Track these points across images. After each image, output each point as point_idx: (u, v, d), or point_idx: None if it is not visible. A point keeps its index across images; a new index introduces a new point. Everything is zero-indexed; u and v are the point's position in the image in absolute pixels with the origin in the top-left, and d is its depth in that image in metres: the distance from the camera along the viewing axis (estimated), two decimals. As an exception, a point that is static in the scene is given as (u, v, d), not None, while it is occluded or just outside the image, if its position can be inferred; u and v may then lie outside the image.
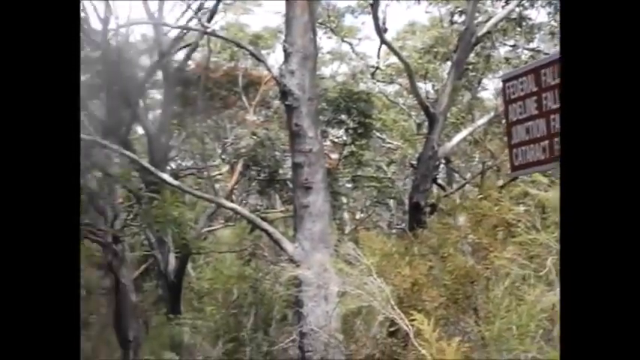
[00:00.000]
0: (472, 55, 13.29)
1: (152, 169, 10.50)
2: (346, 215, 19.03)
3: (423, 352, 5.92)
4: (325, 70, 20.57)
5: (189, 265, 17.97)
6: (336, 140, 16.05)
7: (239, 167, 12.83)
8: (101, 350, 17.86)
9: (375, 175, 17.70)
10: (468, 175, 17.54)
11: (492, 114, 13.04)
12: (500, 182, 13.18)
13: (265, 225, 9.49)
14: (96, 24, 14.35)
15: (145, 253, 16.73)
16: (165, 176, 10.42)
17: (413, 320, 6.11)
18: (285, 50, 8.86)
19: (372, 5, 11.55)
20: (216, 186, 15.17)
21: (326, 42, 19.51)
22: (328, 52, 20.55)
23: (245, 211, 10.39)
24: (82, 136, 10.87)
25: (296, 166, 8.80)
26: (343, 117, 14.61)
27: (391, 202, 18.76)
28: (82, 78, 14.57)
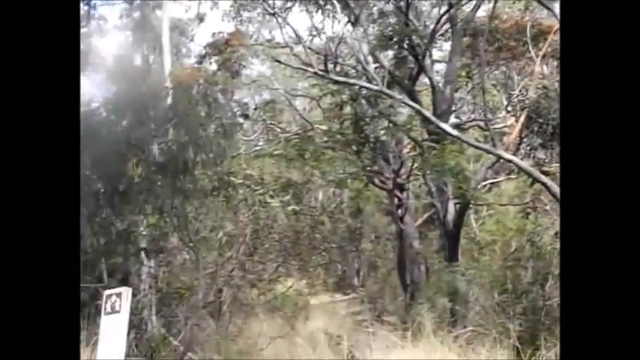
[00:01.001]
0: None
1: (433, 118, 10.71)
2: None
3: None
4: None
5: (472, 217, 18.07)
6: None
7: (522, 119, 12.55)
8: (386, 291, 18.77)
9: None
10: None
11: None
12: None
13: (544, 178, 9.33)
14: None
15: (428, 201, 17.08)
16: (445, 126, 10.57)
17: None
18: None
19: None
20: (505, 139, 14.96)
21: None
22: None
23: (523, 164, 10.22)
24: (369, 85, 11.40)
25: (576, 118, 8.48)
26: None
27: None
28: (370, 30, 15.20)
